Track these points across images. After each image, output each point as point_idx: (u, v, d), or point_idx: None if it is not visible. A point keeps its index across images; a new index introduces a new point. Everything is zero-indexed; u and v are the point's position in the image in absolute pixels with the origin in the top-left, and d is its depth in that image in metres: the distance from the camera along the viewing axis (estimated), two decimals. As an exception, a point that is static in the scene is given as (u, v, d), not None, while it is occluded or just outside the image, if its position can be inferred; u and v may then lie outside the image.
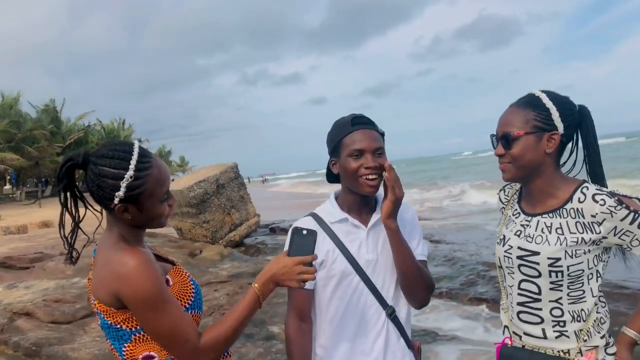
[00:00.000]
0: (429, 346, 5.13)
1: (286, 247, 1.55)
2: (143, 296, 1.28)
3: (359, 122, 1.70)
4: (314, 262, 1.47)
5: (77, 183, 1.46)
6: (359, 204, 1.74)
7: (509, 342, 1.67)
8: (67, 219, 1.45)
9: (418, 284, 1.71)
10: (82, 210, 1.45)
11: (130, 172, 1.34)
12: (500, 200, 1.81)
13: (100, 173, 1.34)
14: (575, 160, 1.66)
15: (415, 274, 1.69)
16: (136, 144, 1.40)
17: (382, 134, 1.74)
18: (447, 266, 8.16)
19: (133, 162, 1.35)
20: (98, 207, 1.43)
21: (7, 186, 42.23)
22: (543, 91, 1.59)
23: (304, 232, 1.49)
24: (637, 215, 1.47)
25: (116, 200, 1.34)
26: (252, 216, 10.87)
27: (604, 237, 1.49)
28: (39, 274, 6.99)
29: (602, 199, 1.48)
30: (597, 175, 1.63)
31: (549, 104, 1.55)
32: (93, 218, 1.45)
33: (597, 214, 1.48)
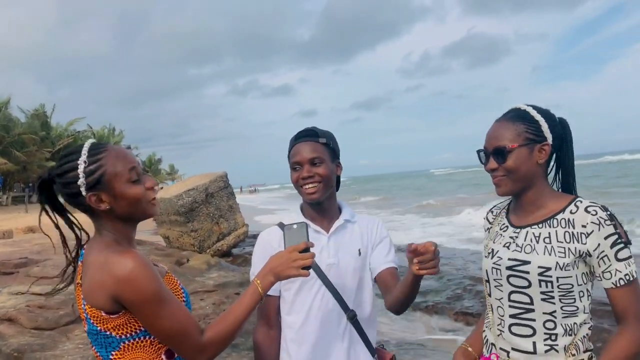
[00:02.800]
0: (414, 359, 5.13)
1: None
2: (146, 297, 1.28)
3: (302, 135, 1.81)
4: (311, 250, 1.48)
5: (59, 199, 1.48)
6: (316, 212, 1.83)
7: (495, 358, 1.62)
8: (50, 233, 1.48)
9: (407, 304, 1.71)
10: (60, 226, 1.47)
11: (83, 158, 1.37)
12: (488, 220, 1.80)
13: (61, 172, 1.38)
14: (560, 171, 1.67)
15: (409, 303, 1.69)
16: (89, 141, 1.44)
17: (327, 144, 1.80)
18: (433, 280, 8.17)
19: (84, 151, 1.39)
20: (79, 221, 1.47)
21: (-6, 190, 41.77)
22: (528, 105, 1.62)
23: (294, 226, 1.52)
24: (619, 240, 1.47)
25: (83, 190, 1.36)
26: (241, 226, 10.84)
27: (588, 254, 1.49)
28: (23, 280, 6.90)
29: (595, 210, 1.49)
30: (568, 185, 1.66)
31: (537, 116, 1.58)
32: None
33: (587, 223, 1.48)
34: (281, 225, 1.83)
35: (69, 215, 1.47)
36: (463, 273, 8.17)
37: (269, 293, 1.71)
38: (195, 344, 1.35)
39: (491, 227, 1.76)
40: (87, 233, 1.49)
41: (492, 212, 1.81)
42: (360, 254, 1.83)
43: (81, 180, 1.35)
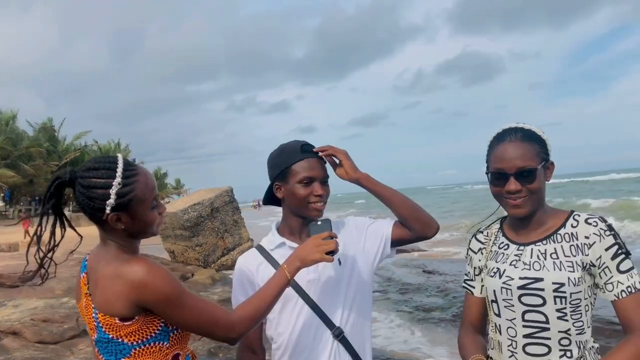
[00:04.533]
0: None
1: None
2: (166, 294, 1.33)
3: (307, 149, 1.75)
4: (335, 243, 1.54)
5: (65, 205, 1.49)
6: (301, 227, 1.79)
7: None
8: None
9: (414, 206, 1.77)
10: (50, 232, 1.48)
11: (118, 179, 1.36)
12: (479, 241, 1.74)
13: (89, 185, 1.36)
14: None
15: (406, 199, 1.76)
16: (120, 156, 1.43)
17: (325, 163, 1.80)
18: (439, 297, 8.14)
19: (119, 170, 1.37)
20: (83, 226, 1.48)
21: (0, 203, 41.99)
22: (524, 124, 1.59)
23: (319, 222, 1.63)
24: (620, 251, 1.47)
25: (108, 210, 1.35)
26: (245, 240, 10.84)
27: (592, 265, 1.49)
28: (28, 293, 6.91)
29: (595, 221, 1.51)
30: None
31: (543, 135, 1.57)
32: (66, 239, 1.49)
33: (590, 235, 1.50)
34: (259, 248, 1.83)
35: (68, 222, 1.49)
36: (468, 290, 8.11)
37: None
38: (226, 323, 1.41)
39: (484, 248, 1.72)
40: (80, 236, 1.52)
41: (481, 232, 1.75)
42: (340, 263, 1.75)
43: (110, 201, 1.35)
